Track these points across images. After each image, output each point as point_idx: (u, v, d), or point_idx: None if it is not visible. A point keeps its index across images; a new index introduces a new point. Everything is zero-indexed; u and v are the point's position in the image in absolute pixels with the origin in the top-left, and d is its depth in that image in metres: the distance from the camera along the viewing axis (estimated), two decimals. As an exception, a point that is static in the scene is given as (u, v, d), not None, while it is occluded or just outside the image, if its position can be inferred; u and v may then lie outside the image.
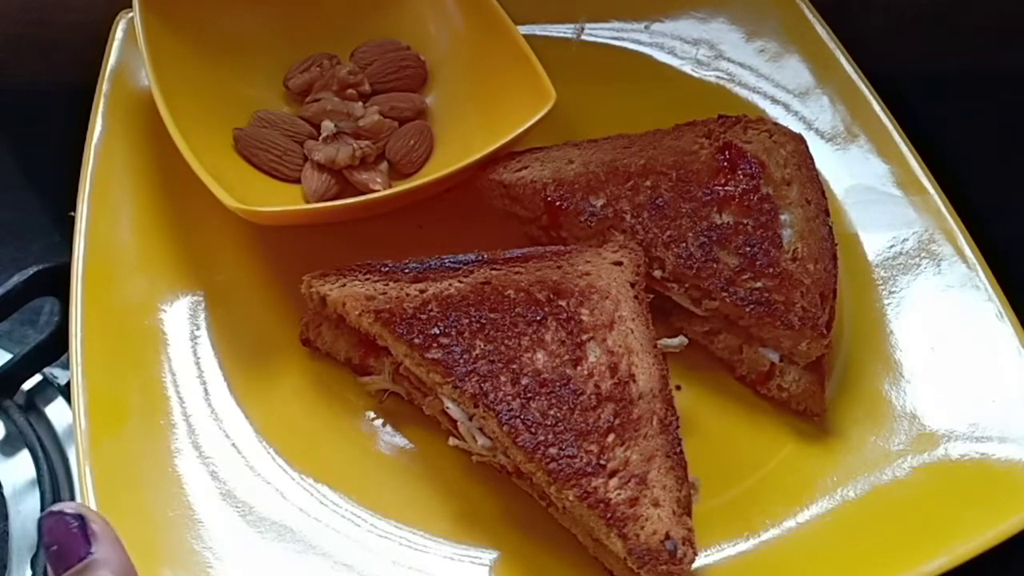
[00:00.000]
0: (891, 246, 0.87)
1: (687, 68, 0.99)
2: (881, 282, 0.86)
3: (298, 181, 0.91)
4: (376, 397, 0.79)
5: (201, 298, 0.82)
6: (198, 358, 0.79)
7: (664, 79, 0.99)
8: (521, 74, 0.89)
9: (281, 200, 0.89)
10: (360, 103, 0.93)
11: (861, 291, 0.85)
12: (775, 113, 0.95)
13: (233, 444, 0.75)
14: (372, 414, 0.79)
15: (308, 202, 0.89)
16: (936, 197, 0.87)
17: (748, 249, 0.80)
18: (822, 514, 0.73)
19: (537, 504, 0.73)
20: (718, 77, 0.99)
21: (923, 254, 0.86)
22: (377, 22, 0.99)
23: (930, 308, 0.84)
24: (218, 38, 0.94)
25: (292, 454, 0.76)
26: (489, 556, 0.72)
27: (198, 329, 0.80)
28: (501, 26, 0.92)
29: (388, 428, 0.78)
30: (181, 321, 0.80)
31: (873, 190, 0.90)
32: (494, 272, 0.77)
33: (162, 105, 0.84)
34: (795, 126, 0.92)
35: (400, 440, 0.77)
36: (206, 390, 0.77)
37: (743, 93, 0.98)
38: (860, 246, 0.87)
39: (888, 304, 0.84)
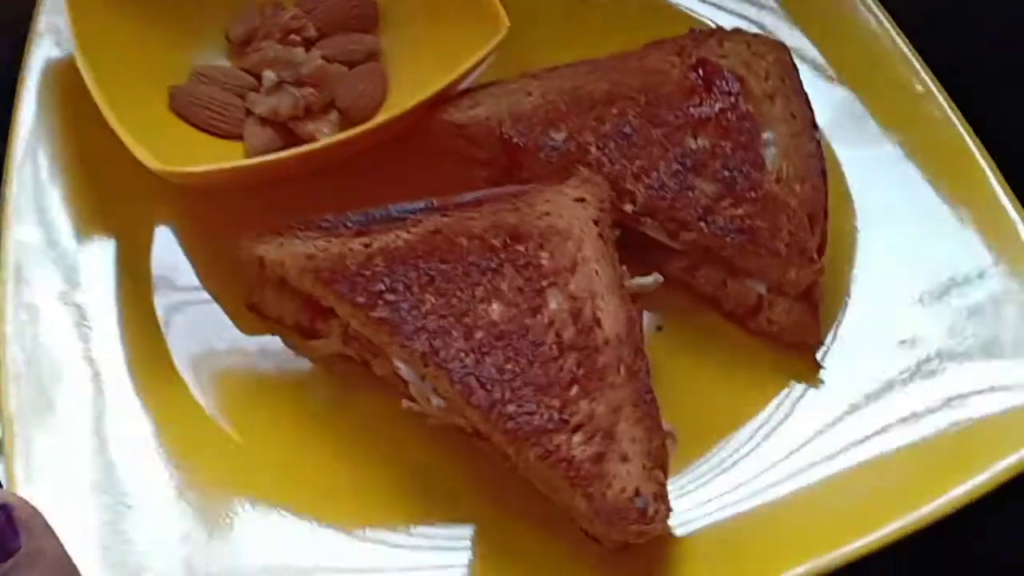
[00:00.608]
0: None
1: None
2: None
3: (240, 137, 0.85)
4: (327, 362, 0.73)
5: (142, 266, 0.77)
6: (133, 331, 0.73)
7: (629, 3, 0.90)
8: (472, 3, 0.81)
9: (216, 154, 0.82)
10: (303, 49, 0.86)
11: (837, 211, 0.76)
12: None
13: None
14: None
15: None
16: (940, 97, 0.78)
17: (727, 173, 0.73)
18: (818, 463, 0.66)
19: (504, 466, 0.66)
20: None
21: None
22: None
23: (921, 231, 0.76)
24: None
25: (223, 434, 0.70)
26: (464, 532, 0.65)
27: (137, 303, 0.75)
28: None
29: (339, 396, 0.71)
30: (112, 297, 0.75)
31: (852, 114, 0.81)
32: (445, 220, 0.70)
33: (83, 64, 0.78)
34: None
35: (352, 410, 0.71)
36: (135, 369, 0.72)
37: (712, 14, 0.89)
38: (839, 166, 0.79)
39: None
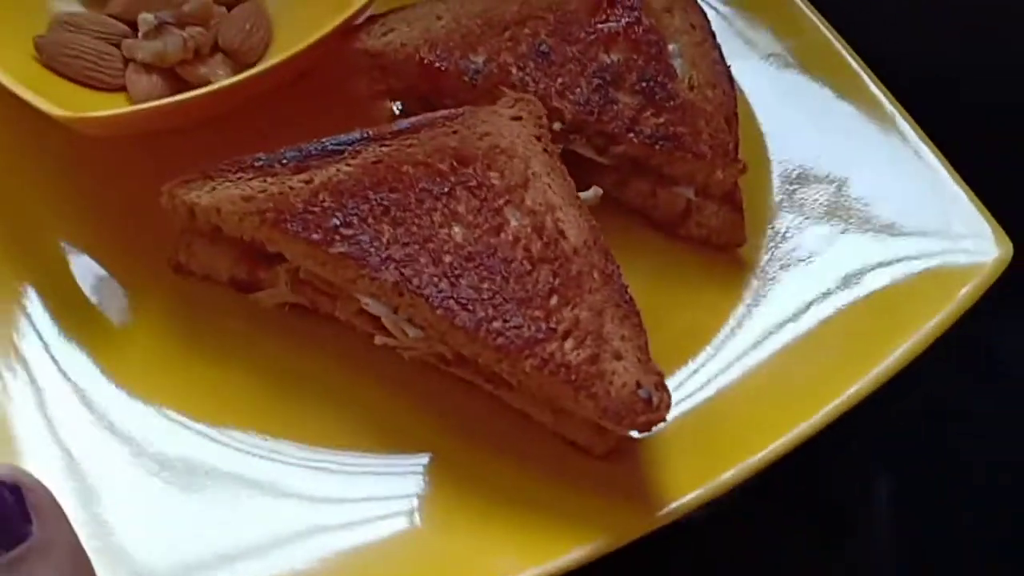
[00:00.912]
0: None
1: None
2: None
3: (120, 89, 0.78)
4: (275, 312, 0.70)
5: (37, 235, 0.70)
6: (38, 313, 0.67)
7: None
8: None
9: (99, 107, 0.75)
10: (180, -13, 0.80)
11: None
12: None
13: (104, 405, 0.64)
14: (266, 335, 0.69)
15: (140, 109, 0.76)
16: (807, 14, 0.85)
17: (644, 85, 0.75)
18: (764, 344, 0.71)
19: (476, 393, 0.66)
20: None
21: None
22: None
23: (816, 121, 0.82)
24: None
25: (180, 400, 0.66)
26: (420, 462, 0.65)
27: (39, 279, 0.68)
28: None
29: (290, 348, 0.69)
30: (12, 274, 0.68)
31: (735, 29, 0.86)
32: (384, 149, 0.68)
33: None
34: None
35: (307, 360, 0.68)
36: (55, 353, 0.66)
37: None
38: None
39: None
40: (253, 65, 0.80)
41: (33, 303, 0.69)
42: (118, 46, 0.79)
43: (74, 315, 0.69)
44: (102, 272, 0.71)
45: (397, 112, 0.81)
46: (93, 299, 0.70)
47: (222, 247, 0.69)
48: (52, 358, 0.67)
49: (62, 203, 0.73)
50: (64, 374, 0.66)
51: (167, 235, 0.70)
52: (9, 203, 0.72)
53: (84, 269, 0.71)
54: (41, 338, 0.67)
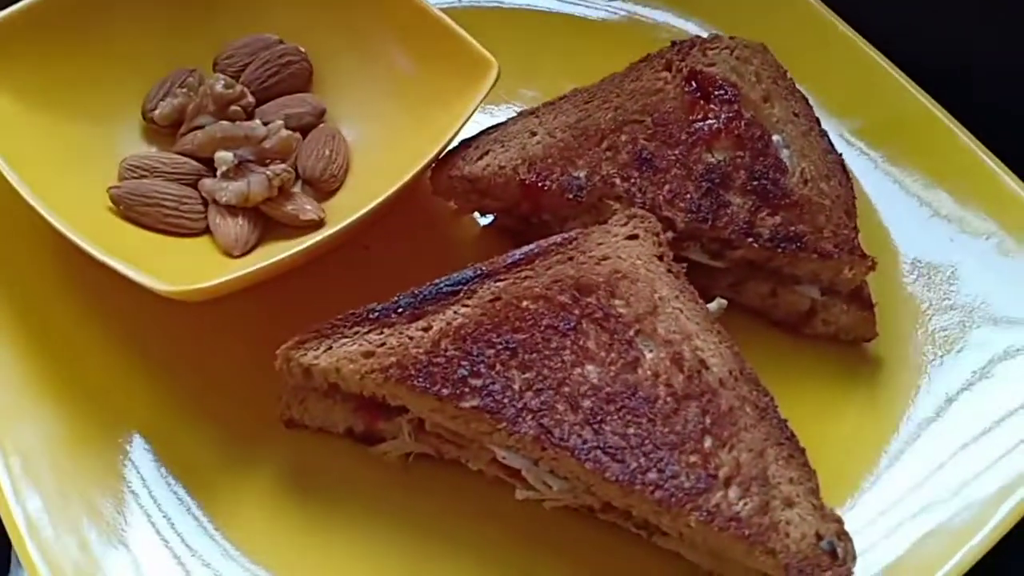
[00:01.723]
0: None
1: (585, 11, 0.88)
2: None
3: (203, 232, 0.74)
4: (398, 464, 0.65)
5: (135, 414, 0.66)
6: (148, 490, 0.63)
7: (565, 26, 0.87)
8: (443, 46, 0.75)
9: (190, 258, 0.72)
10: (255, 122, 0.77)
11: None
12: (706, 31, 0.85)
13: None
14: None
15: (230, 254, 0.72)
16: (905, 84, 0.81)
17: (755, 183, 0.71)
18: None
19: (623, 537, 0.62)
20: (624, 12, 0.88)
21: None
22: (233, 20, 0.82)
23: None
24: (50, 84, 0.75)
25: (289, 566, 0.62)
26: None
27: (142, 459, 0.64)
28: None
29: (416, 501, 0.64)
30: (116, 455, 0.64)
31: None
32: (500, 285, 0.65)
33: (23, 187, 0.65)
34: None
35: (434, 512, 0.64)
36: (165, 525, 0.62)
37: (664, 18, 0.88)
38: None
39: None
40: (335, 192, 0.77)
41: (142, 459, 0.65)
42: (194, 186, 0.75)
43: (178, 473, 0.65)
44: (207, 430, 0.67)
45: (483, 224, 0.77)
46: (198, 458, 0.66)
47: (338, 401, 0.65)
48: (150, 518, 0.63)
49: (158, 362, 0.68)
50: (170, 539, 0.62)
51: (275, 389, 0.66)
52: (109, 363, 0.68)
53: (187, 428, 0.67)
54: (140, 497, 0.63)
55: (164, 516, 0.63)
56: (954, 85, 0.82)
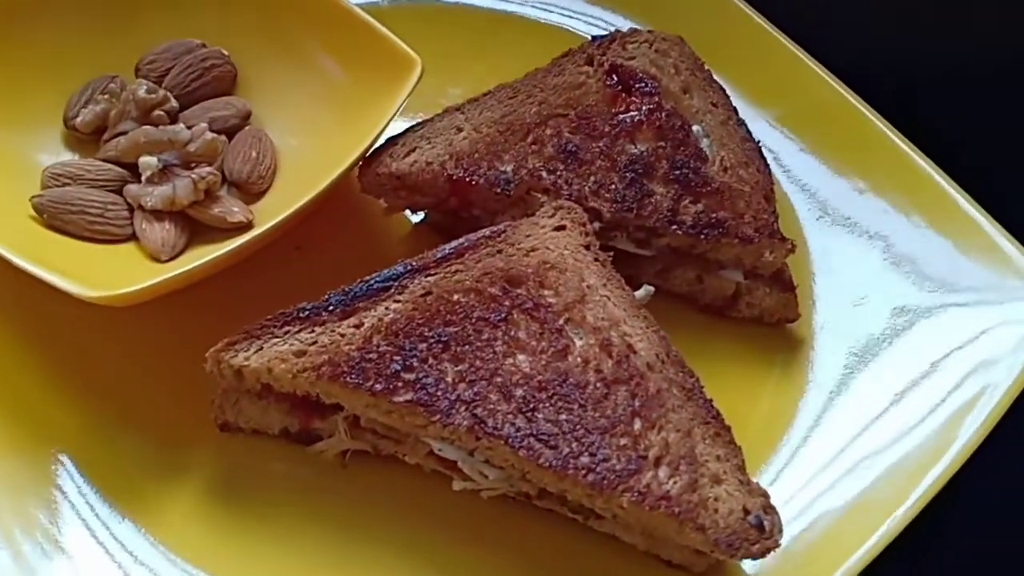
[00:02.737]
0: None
1: (507, 7, 0.89)
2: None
3: (130, 239, 0.74)
4: (336, 462, 0.66)
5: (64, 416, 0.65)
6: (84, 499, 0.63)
7: (489, 23, 0.88)
8: (367, 45, 0.76)
9: (117, 264, 0.71)
10: (179, 125, 0.76)
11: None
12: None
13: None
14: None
15: (158, 259, 0.72)
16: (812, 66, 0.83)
17: (677, 172, 0.73)
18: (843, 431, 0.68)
19: (560, 523, 0.63)
20: (543, 5, 0.90)
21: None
22: (154, 24, 0.81)
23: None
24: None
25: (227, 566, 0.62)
26: None
27: (73, 470, 0.64)
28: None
29: (351, 498, 0.65)
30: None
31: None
32: (430, 279, 0.65)
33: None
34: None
35: (369, 510, 0.64)
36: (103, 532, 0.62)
37: (584, 10, 0.90)
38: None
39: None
40: (263, 194, 0.77)
41: (68, 471, 0.65)
42: (119, 192, 0.75)
43: (112, 483, 0.65)
44: (140, 437, 0.66)
45: (414, 222, 0.78)
46: (132, 466, 0.65)
47: (272, 402, 0.65)
48: (88, 526, 0.62)
49: (86, 371, 0.68)
50: (109, 545, 0.62)
51: (208, 393, 0.66)
52: (36, 374, 0.67)
53: (120, 436, 0.66)
54: (77, 507, 0.63)
55: (101, 523, 0.62)
56: (865, 74, 0.84)
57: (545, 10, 0.90)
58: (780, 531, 0.56)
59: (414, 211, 0.77)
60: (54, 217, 0.72)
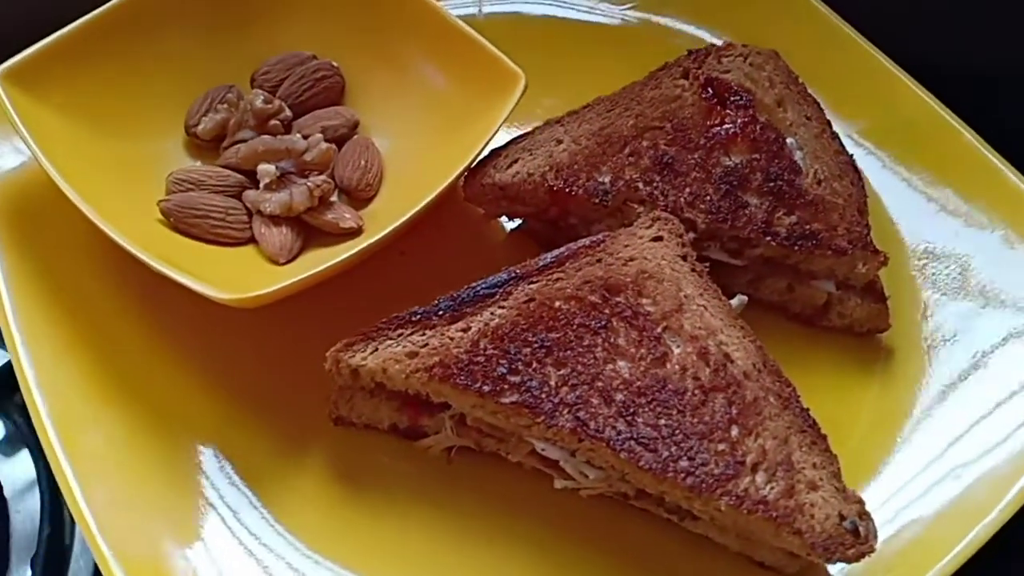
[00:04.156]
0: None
1: (601, 19, 0.92)
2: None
3: (248, 242, 0.78)
4: (441, 458, 0.69)
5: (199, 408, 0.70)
6: (212, 485, 0.68)
7: (583, 35, 0.91)
8: (472, 59, 0.79)
9: (238, 266, 0.76)
10: (295, 135, 0.81)
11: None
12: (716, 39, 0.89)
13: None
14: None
15: (276, 262, 0.76)
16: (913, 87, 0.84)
17: (771, 184, 0.75)
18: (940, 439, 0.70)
19: (655, 523, 0.66)
20: (638, 20, 0.92)
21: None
22: (268, 37, 0.86)
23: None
24: (97, 103, 0.79)
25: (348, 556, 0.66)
26: None
27: (204, 458, 0.69)
28: (425, 9, 0.81)
29: (457, 492, 0.68)
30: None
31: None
32: (533, 286, 0.68)
33: (83, 204, 0.70)
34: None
35: (476, 502, 0.68)
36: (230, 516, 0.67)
37: (678, 26, 0.92)
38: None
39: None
40: (371, 200, 0.81)
41: (204, 458, 0.69)
42: (238, 197, 0.79)
43: (241, 472, 0.69)
44: (263, 430, 0.71)
45: (510, 228, 0.81)
46: (258, 456, 0.70)
47: (384, 399, 0.69)
48: (218, 512, 0.67)
49: (217, 369, 0.72)
50: (233, 526, 0.67)
51: (324, 389, 0.70)
52: (172, 373, 0.72)
53: (244, 430, 0.71)
54: (207, 496, 0.68)
55: (229, 508, 0.67)
56: (959, 87, 0.85)
57: (635, 23, 0.92)
58: (875, 536, 0.58)
59: (512, 218, 0.80)
60: (180, 221, 0.77)
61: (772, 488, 0.60)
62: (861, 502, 0.60)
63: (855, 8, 0.89)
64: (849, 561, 0.58)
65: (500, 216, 0.81)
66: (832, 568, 0.64)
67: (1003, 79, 0.93)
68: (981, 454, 0.67)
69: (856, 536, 0.58)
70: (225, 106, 0.82)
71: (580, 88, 0.82)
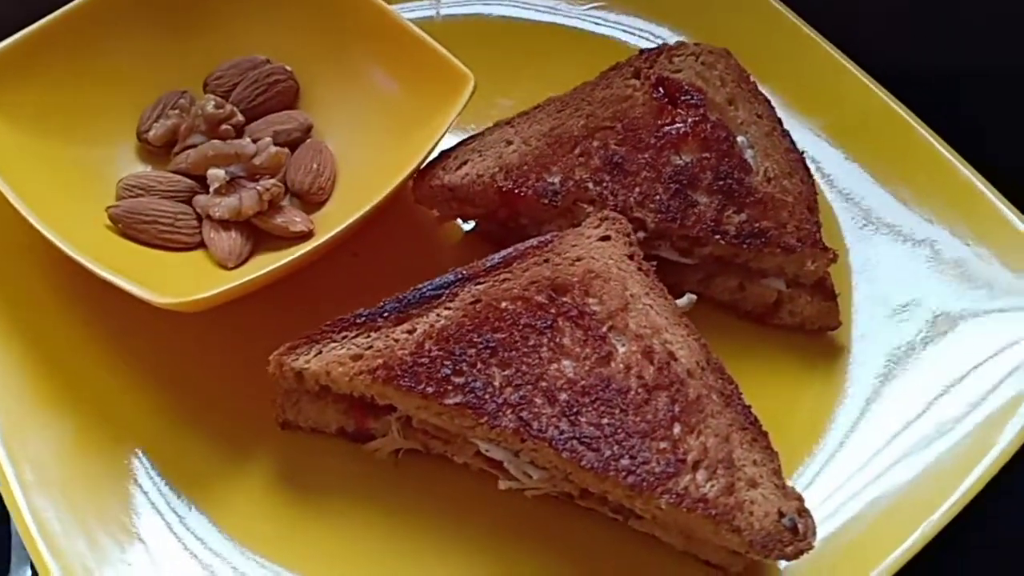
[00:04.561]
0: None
1: (562, 20, 0.92)
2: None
3: (198, 247, 0.78)
4: (388, 460, 0.69)
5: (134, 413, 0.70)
6: (157, 488, 0.67)
7: (542, 35, 0.91)
8: (422, 62, 0.79)
9: (187, 271, 0.76)
10: (245, 139, 0.80)
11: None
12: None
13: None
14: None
15: (225, 267, 0.76)
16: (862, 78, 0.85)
17: (721, 183, 0.75)
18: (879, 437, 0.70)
19: (600, 522, 0.66)
20: (599, 20, 0.92)
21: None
22: (222, 42, 0.85)
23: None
24: (48, 108, 0.79)
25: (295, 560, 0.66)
26: None
27: (146, 464, 0.68)
28: (377, 12, 0.81)
29: (403, 494, 0.68)
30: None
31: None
32: (480, 287, 0.68)
33: (23, 207, 0.69)
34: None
35: (424, 504, 0.68)
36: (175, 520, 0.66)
37: (638, 24, 0.92)
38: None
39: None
40: (323, 204, 0.81)
41: (144, 466, 0.69)
42: (188, 202, 0.79)
43: (183, 476, 0.69)
44: (208, 434, 0.70)
45: (466, 230, 0.81)
46: (201, 461, 0.70)
47: (330, 403, 0.69)
48: (163, 517, 0.67)
49: (160, 374, 0.72)
50: (179, 531, 0.66)
51: (270, 393, 0.70)
52: (114, 377, 0.72)
53: (189, 433, 0.70)
54: (151, 501, 0.67)
55: (174, 513, 0.66)
56: (921, 87, 0.85)
57: (593, 23, 0.92)
58: (814, 533, 0.58)
59: (465, 220, 0.80)
60: (128, 226, 0.76)
61: (712, 486, 0.60)
62: (800, 499, 0.60)
63: (813, 7, 0.89)
64: (788, 558, 0.58)
65: (453, 219, 0.80)
66: (780, 566, 0.63)
67: (965, 78, 0.93)
68: (922, 447, 0.67)
69: (795, 533, 0.58)
70: (177, 112, 0.82)
71: (537, 89, 0.82)
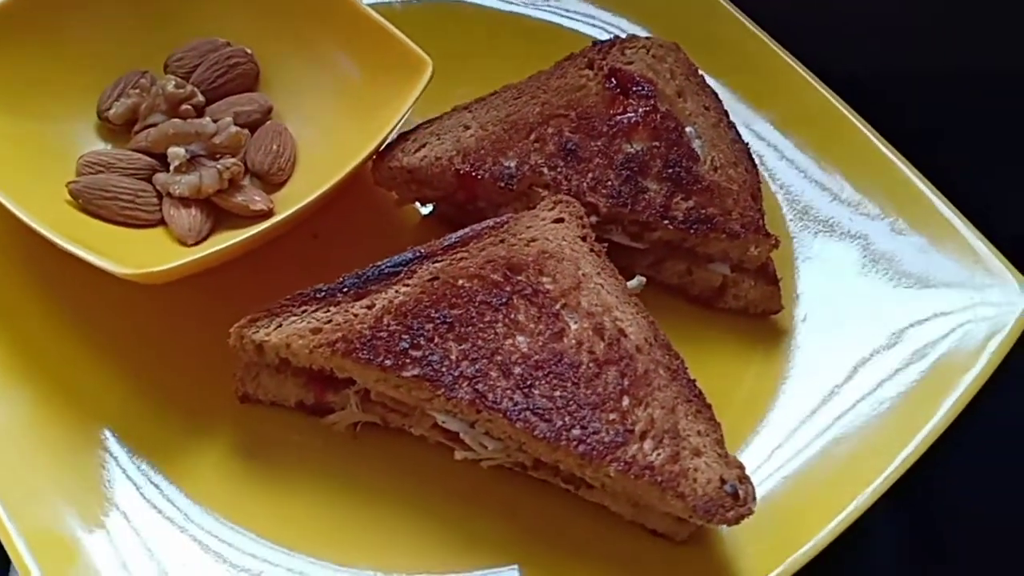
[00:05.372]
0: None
1: (520, 10, 0.94)
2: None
3: (158, 224, 0.79)
4: (347, 433, 0.71)
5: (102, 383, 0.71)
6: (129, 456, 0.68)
7: (499, 24, 0.93)
8: (382, 47, 0.81)
9: (147, 247, 0.77)
10: (206, 119, 0.82)
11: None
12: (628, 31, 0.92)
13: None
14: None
15: (184, 243, 0.77)
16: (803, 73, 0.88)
17: (670, 171, 0.78)
18: (815, 412, 0.74)
19: (552, 493, 0.68)
20: (551, 12, 0.95)
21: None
22: (183, 24, 0.86)
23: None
24: (9, 84, 0.79)
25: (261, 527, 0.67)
26: (511, 572, 0.67)
27: (110, 436, 0.70)
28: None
29: (362, 466, 0.70)
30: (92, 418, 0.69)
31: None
32: (437, 265, 0.70)
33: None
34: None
35: (380, 478, 0.70)
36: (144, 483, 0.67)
37: (579, 24, 0.95)
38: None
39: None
40: (283, 184, 0.82)
41: (110, 436, 0.70)
42: (149, 180, 0.80)
43: (148, 447, 0.70)
44: (170, 407, 0.71)
45: (424, 213, 0.83)
46: (165, 432, 0.71)
47: (289, 376, 0.70)
48: (134, 484, 0.68)
49: (123, 349, 0.73)
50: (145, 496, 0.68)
51: (230, 367, 0.71)
52: (79, 354, 0.73)
53: (152, 406, 0.71)
54: (124, 471, 0.68)
55: (133, 484, 0.67)
56: (855, 84, 0.89)
57: (549, 12, 0.95)
58: (754, 499, 0.61)
59: (423, 203, 0.82)
60: (89, 202, 0.77)
61: (659, 455, 0.63)
62: (741, 467, 0.63)
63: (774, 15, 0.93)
64: (729, 523, 0.61)
65: (412, 201, 0.82)
66: (722, 532, 0.66)
67: (916, 79, 0.98)
68: (852, 415, 0.71)
69: (736, 499, 0.61)
70: (137, 91, 0.83)
71: (495, 76, 0.84)
